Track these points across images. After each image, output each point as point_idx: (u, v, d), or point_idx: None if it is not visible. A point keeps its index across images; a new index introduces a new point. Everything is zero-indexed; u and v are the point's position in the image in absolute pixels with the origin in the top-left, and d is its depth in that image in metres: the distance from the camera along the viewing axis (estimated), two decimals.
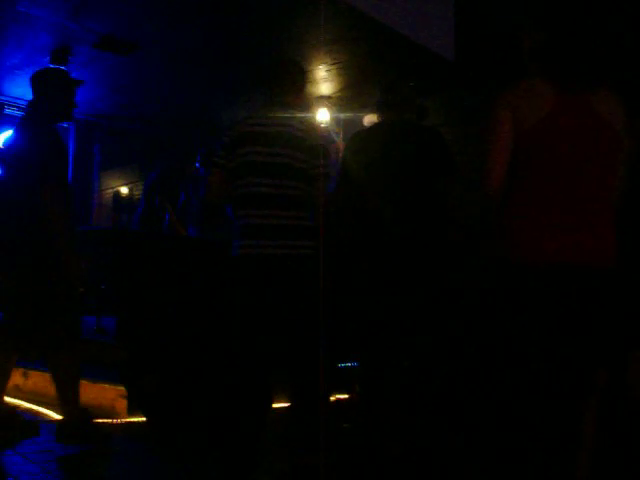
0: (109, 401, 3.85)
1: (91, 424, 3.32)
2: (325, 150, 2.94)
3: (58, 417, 3.60)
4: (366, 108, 6.96)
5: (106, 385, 3.87)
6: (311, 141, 2.88)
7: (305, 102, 3.24)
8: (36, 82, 3.33)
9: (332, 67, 5.87)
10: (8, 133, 6.91)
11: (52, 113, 3.31)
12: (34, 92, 3.33)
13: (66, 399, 3.25)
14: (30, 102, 3.37)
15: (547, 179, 2.07)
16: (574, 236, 2.05)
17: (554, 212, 2.07)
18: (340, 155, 4.17)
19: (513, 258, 2.10)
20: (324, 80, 6.23)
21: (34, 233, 3.13)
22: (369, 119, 7.15)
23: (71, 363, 3.25)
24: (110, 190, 8.29)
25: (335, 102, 6.81)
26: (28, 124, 3.33)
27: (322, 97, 6.67)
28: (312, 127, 2.96)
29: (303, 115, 3.00)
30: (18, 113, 7.11)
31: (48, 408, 3.87)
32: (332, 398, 4.28)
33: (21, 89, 6.68)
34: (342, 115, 7.03)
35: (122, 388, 3.81)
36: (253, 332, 2.78)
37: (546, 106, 2.05)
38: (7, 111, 7.13)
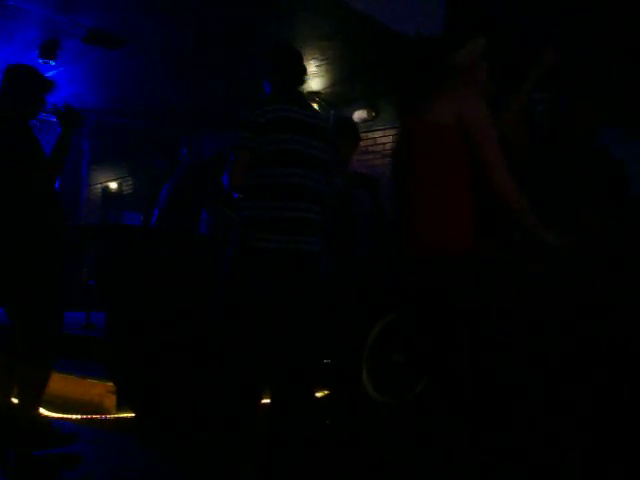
0: (98, 397, 3.85)
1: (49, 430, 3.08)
2: (333, 137, 2.98)
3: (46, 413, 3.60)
4: (356, 104, 6.98)
5: (95, 381, 3.86)
6: (327, 132, 2.88)
7: None
8: (9, 77, 3.16)
9: (322, 63, 5.86)
10: None
11: (22, 110, 3.16)
12: (4, 87, 3.15)
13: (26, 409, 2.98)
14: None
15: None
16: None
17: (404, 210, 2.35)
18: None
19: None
20: (314, 75, 6.22)
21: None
22: (359, 115, 7.16)
23: (39, 376, 3.01)
24: (99, 185, 8.25)
25: (325, 98, 6.81)
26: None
27: (312, 92, 6.65)
28: (325, 118, 2.95)
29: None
30: None
31: None
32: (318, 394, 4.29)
33: None
34: (332, 111, 7.03)
35: (111, 384, 3.81)
36: (266, 328, 2.65)
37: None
38: None
